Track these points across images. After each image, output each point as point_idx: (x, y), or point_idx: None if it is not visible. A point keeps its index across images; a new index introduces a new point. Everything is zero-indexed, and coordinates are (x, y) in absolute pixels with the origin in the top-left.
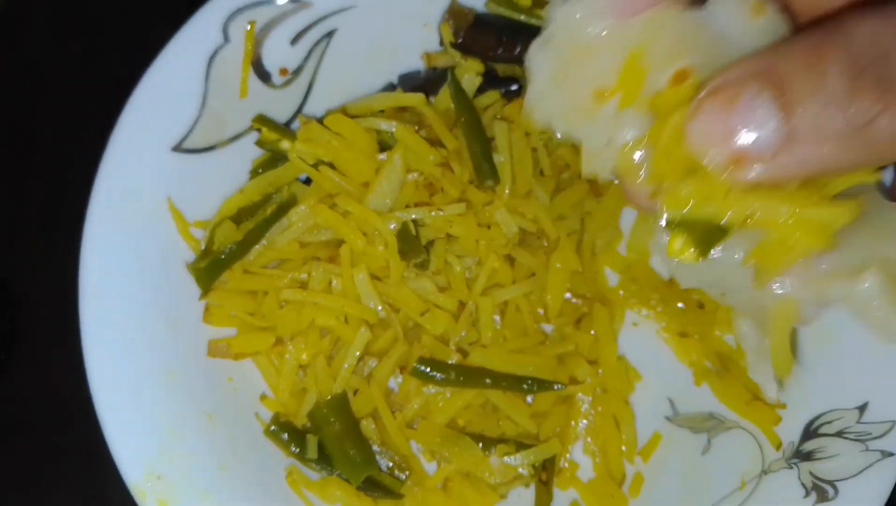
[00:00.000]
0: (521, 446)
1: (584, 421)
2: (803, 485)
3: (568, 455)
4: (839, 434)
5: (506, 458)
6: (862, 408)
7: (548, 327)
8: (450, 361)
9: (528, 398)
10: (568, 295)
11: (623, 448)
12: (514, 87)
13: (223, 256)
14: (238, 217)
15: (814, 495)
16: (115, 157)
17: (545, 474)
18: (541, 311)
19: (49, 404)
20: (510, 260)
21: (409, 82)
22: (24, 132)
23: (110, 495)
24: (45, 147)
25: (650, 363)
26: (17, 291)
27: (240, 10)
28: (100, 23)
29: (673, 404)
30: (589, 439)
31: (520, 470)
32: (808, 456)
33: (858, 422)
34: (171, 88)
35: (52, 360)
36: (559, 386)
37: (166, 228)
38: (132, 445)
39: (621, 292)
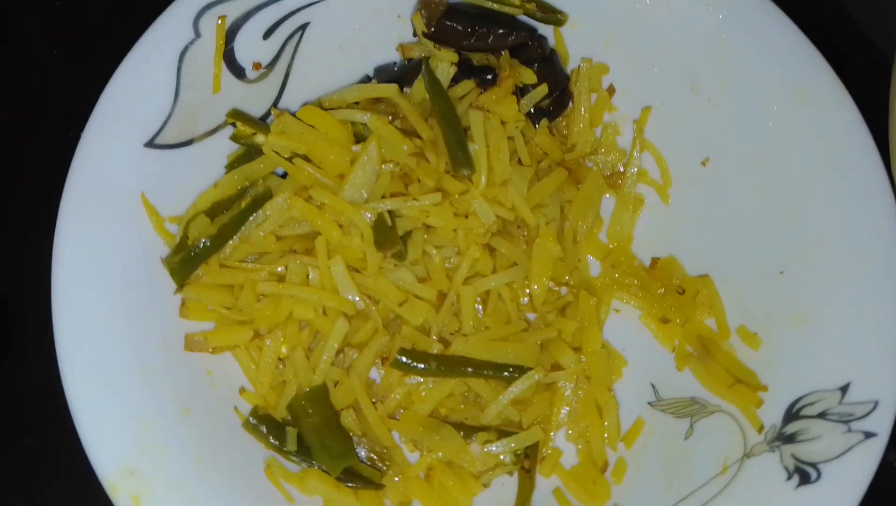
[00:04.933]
0: (503, 433)
1: (567, 408)
2: (786, 468)
3: (551, 443)
4: (821, 416)
5: (487, 446)
6: (844, 389)
7: (531, 316)
8: (431, 351)
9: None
10: (551, 284)
11: (606, 435)
12: (489, 77)
13: (197, 250)
14: (213, 211)
15: (796, 478)
16: (87, 153)
17: (528, 462)
18: (525, 300)
19: (42, 405)
20: (490, 249)
21: (385, 74)
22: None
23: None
24: (17, 147)
25: (633, 349)
26: (7, 297)
27: (210, 5)
28: (76, 18)
29: (656, 390)
30: (571, 429)
31: (502, 458)
32: (790, 439)
33: (841, 403)
34: (143, 85)
35: (44, 363)
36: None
37: (141, 224)
38: (105, 439)
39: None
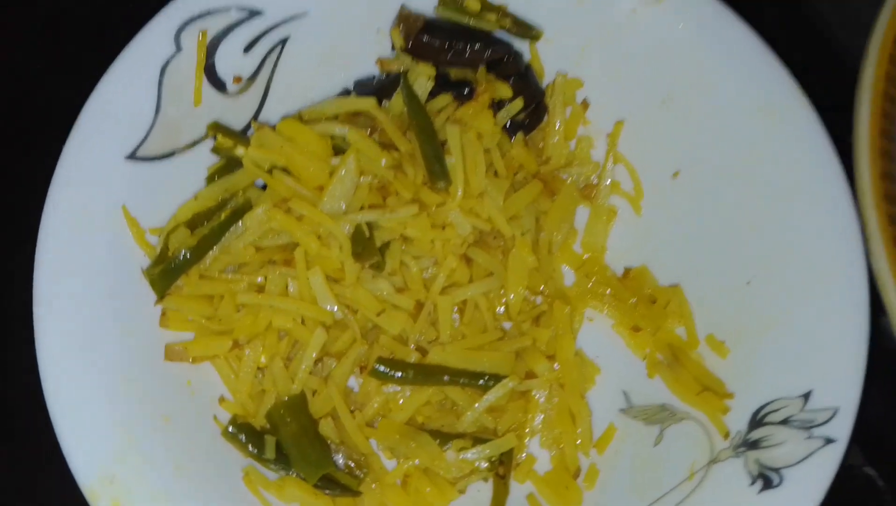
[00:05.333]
0: (478, 440)
1: (541, 415)
2: (749, 473)
3: (525, 449)
4: (784, 422)
5: (463, 453)
6: (806, 396)
7: (507, 325)
8: (409, 360)
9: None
10: (526, 293)
11: (578, 441)
12: (466, 91)
13: (178, 262)
14: (193, 223)
15: (759, 483)
16: (69, 166)
17: (503, 469)
18: (501, 309)
19: (27, 411)
20: (467, 260)
21: (364, 88)
22: None
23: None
24: (6, 157)
25: (606, 357)
26: None
27: (192, 20)
28: (63, 34)
29: (627, 397)
30: (545, 436)
31: (477, 464)
32: (754, 445)
33: (803, 410)
34: (125, 98)
35: (25, 371)
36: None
37: (121, 236)
38: (85, 447)
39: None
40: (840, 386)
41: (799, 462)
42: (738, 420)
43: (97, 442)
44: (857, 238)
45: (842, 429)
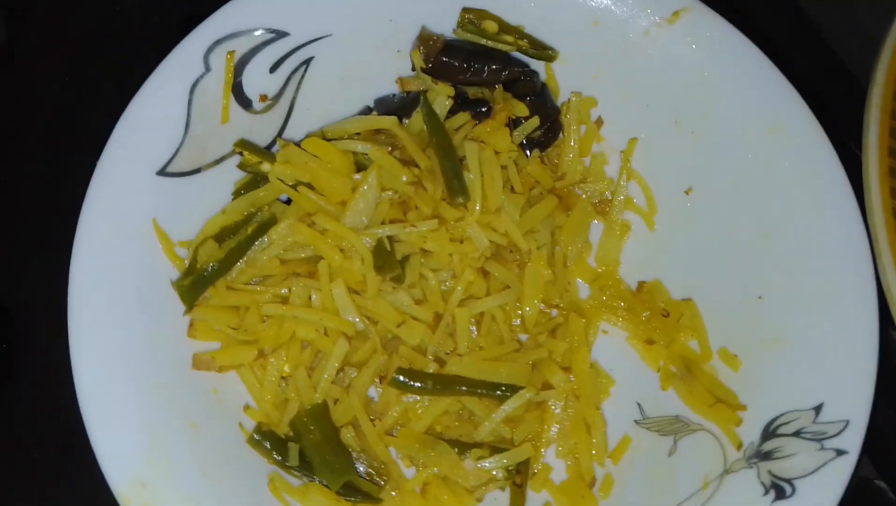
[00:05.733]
0: (495, 450)
1: (557, 426)
2: (762, 484)
3: (541, 459)
4: (796, 434)
5: (481, 462)
6: (818, 409)
7: (523, 337)
8: (427, 371)
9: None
10: (542, 306)
11: (594, 451)
12: (483, 109)
13: (206, 274)
14: (220, 236)
15: (772, 493)
16: (102, 181)
17: (519, 478)
18: (517, 322)
19: (47, 420)
20: (484, 273)
21: (385, 106)
22: (17, 159)
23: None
24: (37, 173)
25: (620, 369)
26: (14, 313)
27: (220, 41)
28: (91, 55)
29: (641, 408)
30: (561, 446)
31: (494, 473)
32: (767, 456)
33: (814, 422)
34: (155, 116)
35: (49, 377)
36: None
37: (152, 249)
38: (117, 453)
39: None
40: (851, 399)
41: (811, 473)
42: (750, 432)
43: (128, 448)
44: (866, 254)
45: (853, 441)
